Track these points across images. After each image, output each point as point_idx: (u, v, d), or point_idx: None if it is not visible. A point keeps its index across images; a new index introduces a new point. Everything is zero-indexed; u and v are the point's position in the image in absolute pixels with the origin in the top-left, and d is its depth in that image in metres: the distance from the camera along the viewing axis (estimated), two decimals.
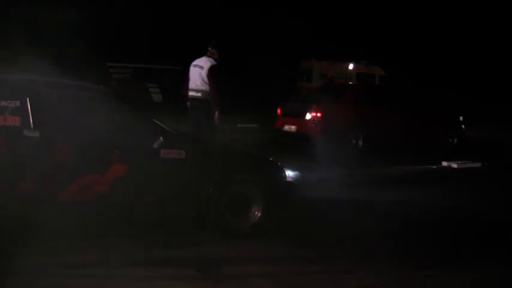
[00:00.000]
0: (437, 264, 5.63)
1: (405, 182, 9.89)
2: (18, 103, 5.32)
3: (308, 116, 12.37)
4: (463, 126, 14.08)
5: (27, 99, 5.35)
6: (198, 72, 9.00)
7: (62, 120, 5.47)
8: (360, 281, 5.11)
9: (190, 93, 9.12)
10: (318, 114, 12.24)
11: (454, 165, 11.70)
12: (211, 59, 9.02)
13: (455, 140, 13.81)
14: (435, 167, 11.72)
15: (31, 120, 5.32)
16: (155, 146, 5.69)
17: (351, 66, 22.11)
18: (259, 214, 6.16)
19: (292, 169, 7.33)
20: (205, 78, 8.91)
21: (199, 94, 9.01)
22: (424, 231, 6.78)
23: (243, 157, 6.65)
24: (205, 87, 8.93)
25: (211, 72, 8.90)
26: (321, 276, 5.22)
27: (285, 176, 6.54)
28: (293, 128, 12.78)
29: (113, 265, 5.07)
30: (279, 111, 13.43)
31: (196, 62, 9.14)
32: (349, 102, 12.57)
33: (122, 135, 5.72)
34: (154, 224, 5.95)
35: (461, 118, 14.18)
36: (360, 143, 12.37)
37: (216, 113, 8.91)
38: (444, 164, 11.85)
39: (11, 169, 5.22)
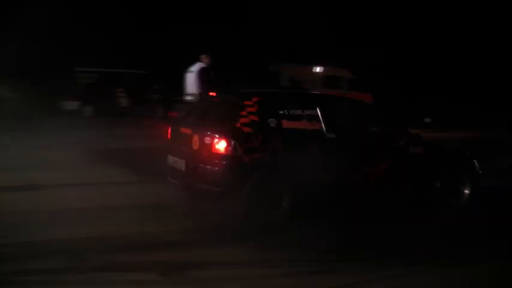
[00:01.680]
0: None
1: None
2: (315, 112, 7.17)
3: None
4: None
5: (319, 109, 7.19)
6: (190, 77, 9.77)
7: (347, 124, 7.62)
8: None
9: (186, 98, 9.79)
10: None
11: None
12: (201, 63, 9.79)
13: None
14: None
15: (325, 125, 7.14)
16: (402, 144, 7.71)
17: (318, 69, 21.63)
18: (467, 194, 8.14)
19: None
20: (196, 81, 9.61)
21: (191, 98, 9.60)
22: None
23: (455, 151, 8.76)
24: (196, 91, 9.49)
25: (200, 74, 9.67)
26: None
27: (478, 167, 8.31)
28: None
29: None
30: None
31: (190, 68, 9.93)
32: None
33: (386, 137, 7.87)
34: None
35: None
36: None
37: None
38: None
39: (312, 164, 6.88)
